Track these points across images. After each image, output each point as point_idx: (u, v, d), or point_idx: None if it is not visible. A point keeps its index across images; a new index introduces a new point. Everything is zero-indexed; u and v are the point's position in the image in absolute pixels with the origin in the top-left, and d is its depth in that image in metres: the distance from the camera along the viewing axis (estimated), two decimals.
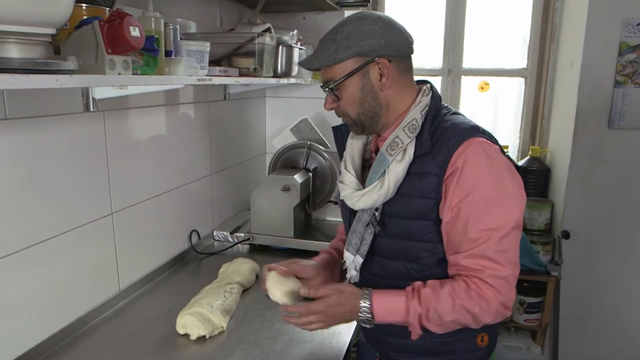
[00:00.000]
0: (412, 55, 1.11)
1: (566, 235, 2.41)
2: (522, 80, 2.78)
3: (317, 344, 1.29)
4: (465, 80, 2.84)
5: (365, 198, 1.07)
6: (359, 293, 1.04)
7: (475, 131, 1.03)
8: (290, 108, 2.55)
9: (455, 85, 2.83)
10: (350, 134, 1.20)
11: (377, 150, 1.18)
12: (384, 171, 1.05)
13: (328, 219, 2.22)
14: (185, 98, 1.82)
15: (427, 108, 1.07)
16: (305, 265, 1.20)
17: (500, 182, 1.00)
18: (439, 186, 1.02)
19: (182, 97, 1.79)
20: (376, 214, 1.10)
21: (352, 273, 1.18)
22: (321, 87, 1.11)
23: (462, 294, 0.99)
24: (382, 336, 1.20)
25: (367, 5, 2.45)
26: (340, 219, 1.32)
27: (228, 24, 2.08)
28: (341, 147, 1.24)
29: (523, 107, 2.80)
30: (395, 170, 1.04)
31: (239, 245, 2.01)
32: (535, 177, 2.63)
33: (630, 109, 2.26)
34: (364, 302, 1.02)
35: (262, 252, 1.96)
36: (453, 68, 2.81)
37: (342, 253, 1.24)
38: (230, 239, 2.02)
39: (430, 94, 1.10)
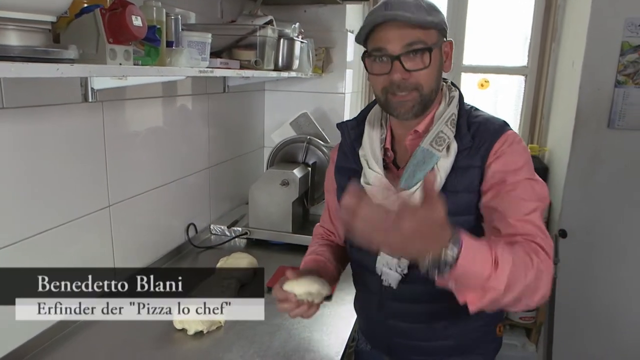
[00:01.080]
0: None
1: (563, 234, 2.42)
2: (522, 78, 2.78)
3: (316, 340, 1.28)
4: (465, 77, 2.83)
5: (415, 198, 0.96)
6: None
7: (507, 125, 1.05)
8: (290, 102, 2.53)
9: (455, 81, 2.79)
10: (367, 126, 1.12)
11: (392, 146, 1.12)
12: (433, 167, 1.01)
13: None
14: (185, 90, 1.79)
15: (459, 103, 1.07)
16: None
17: (533, 169, 1.00)
18: (482, 175, 1.01)
19: (181, 89, 1.77)
20: None
21: (396, 277, 1.07)
22: (392, 56, 0.96)
23: (533, 252, 0.85)
24: (398, 339, 1.16)
25: (369, 0, 2.44)
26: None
27: (229, 15, 2.05)
28: (350, 143, 1.15)
29: (522, 105, 2.80)
30: (444, 165, 1.01)
31: (236, 239, 1.99)
32: None
33: (631, 109, 2.25)
34: (453, 239, 0.76)
35: (259, 246, 1.95)
36: (454, 64, 2.78)
37: (331, 260, 1.18)
38: (227, 233, 2.01)
39: (457, 90, 1.10)
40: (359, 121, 1.17)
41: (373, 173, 1.07)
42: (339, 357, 1.22)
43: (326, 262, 1.18)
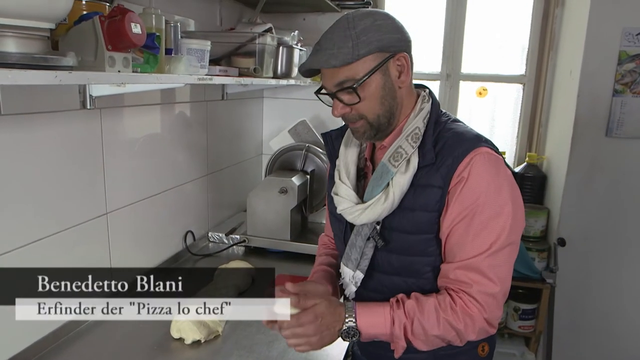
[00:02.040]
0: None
1: (562, 242, 2.41)
2: (520, 86, 2.78)
3: (314, 351, 1.27)
4: (463, 85, 2.83)
5: (369, 212, 1.01)
6: (342, 304, 0.99)
7: (480, 141, 1.00)
8: (288, 109, 2.53)
9: (453, 90, 2.83)
10: (344, 140, 1.14)
11: (372, 158, 1.14)
12: (388, 183, 1.00)
13: (324, 222, 2.19)
14: (183, 97, 1.79)
15: (428, 116, 1.03)
16: (317, 285, 1.13)
17: (502, 197, 0.97)
18: (442, 198, 0.99)
19: (179, 96, 1.77)
20: (377, 227, 1.05)
21: (352, 289, 1.12)
22: (329, 94, 1.01)
23: (447, 308, 0.97)
24: (382, 352, 1.14)
25: (367, 7, 2.44)
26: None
27: (228, 22, 2.06)
28: (332, 154, 1.17)
29: (520, 114, 2.80)
30: (399, 182, 0.99)
31: (234, 247, 1.98)
32: (532, 184, 2.63)
33: (629, 118, 2.26)
34: (349, 314, 0.97)
35: (257, 254, 1.94)
36: (452, 73, 2.80)
37: (337, 269, 1.20)
38: (225, 240, 2.00)
39: (430, 101, 1.06)
40: (343, 131, 1.17)
41: (342, 185, 1.08)
42: None
43: (334, 274, 1.21)
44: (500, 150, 1.05)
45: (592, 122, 2.31)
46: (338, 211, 1.09)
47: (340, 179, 1.09)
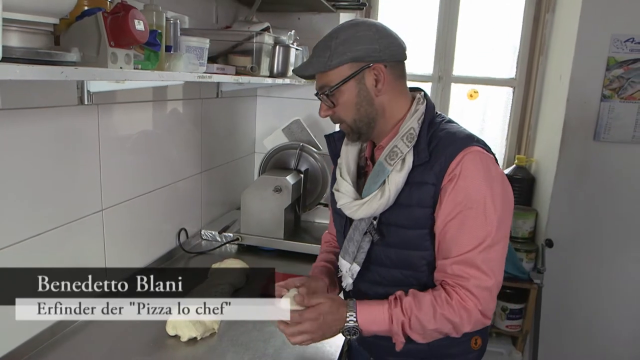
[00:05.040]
0: (405, 62, 1.11)
1: (550, 244, 2.46)
2: (510, 89, 2.83)
3: (310, 347, 1.28)
4: (455, 88, 2.87)
5: (366, 207, 1.07)
6: (344, 302, 1.05)
7: (472, 140, 1.04)
8: (282, 108, 2.53)
9: (445, 92, 2.86)
10: (345, 140, 1.20)
11: (372, 157, 1.18)
12: (384, 180, 1.05)
13: (317, 221, 2.20)
14: (179, 94, 1.79)
15: (422, 117, 1.07)
16: (316, 280, 1.19)
17: (493, 193, 1.01)
18: (436, 194, 1.03)
19: (175, 94, 1.76)
20: (374, 222, 1.10)
21: (349, 281, 1.18)
22: (315, 94, 1.10)
23: (444, 303, 1.01)
24: (378, 340, 1.19)
25: (362, 9, 2.46)
26: (327, 222, 1.31)
27: (224, 21, 2.06)
28: (334, 154, 1.23)
29: (510, 116, 2.85)
30: (395, 179, 1.04)
31: (226, 245, 1.98)
32: (520, 186, 2.68)
33: (616, 123, 2.31)
34: (350, 312, 1.02)
35: (250, 252, 1.94)
36: (443, 75, 2.83)
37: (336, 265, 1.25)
38: (218, 238, 2.00)
39: (425, 103, 1.10)
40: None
41: (344, 182, 1.13)
42: None
43: (333, 270, 1.26)
44: None
45: (581, 126, 2.36)
46: (337, 206, 1.14)
47: (341, 175, 1.15)
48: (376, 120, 1.09)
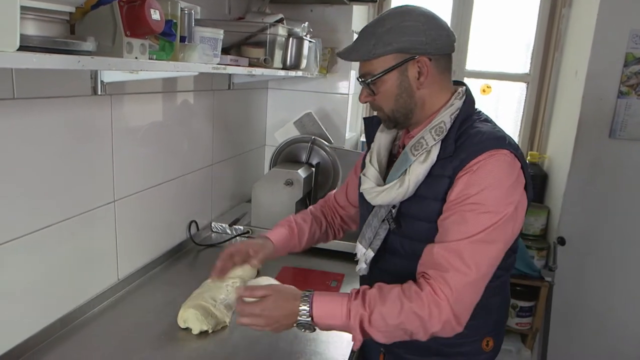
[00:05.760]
0: (452, 55, 1.09)
1: (562, 241, 2.43)
2: (524, 85, 2.79)
3: (323, 341, 1.27)
4: (467, 82, 2.81)
5: (384, 195, 1.07)
6: (299, 295, 0.99)
7: (502, 142, 0.99)
8: (292, 101, 2.52)
9: None
10: (380, 127, 1.19)
11: (404, 146, 1.16)
12: (406, 170, 1.05)
13: None
14: (191, 86, 1.77)
15: (457, 112, 1.05)
16: (252, 244, 1.26)
17: (506, 199, 0.96)
18: (450, 187, 1.01)
19: (187, 85, 1.75)
20: (393, 211, 1.10)
21: (362, 266, 1.19)
22: (357, 79, 1.10)
23: (412, 295, 0.94)
24: (401, 351, 1.18)
25: (376, 2, 2.43)
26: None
27: (236, 11, 2.04)
28: (370, 139, 1.23)
29: (523, 112, 2.81)
30: (416, 170, 1.03)
31: (237, 238, 1.97)
32: (532, 182, 2.63)
33: (632, 120, 2.27)
34: (303, 305, 0.97)
35: None
36: (456, 69, 2.79)
37: (314, 220, 1.37)
38: (228, 231, 1.99)
39: (464, 98, 1.07)
40: None
41: (371, 167, 1.15)
42: (346, 358, 1.21)
43: (295, 229, 1.36)
44: None
45: (596, 123, 2.33)
46: (360, 190, 1.16)
47: (370, 161, 1.16)
48: (414, 111, 1.08)
